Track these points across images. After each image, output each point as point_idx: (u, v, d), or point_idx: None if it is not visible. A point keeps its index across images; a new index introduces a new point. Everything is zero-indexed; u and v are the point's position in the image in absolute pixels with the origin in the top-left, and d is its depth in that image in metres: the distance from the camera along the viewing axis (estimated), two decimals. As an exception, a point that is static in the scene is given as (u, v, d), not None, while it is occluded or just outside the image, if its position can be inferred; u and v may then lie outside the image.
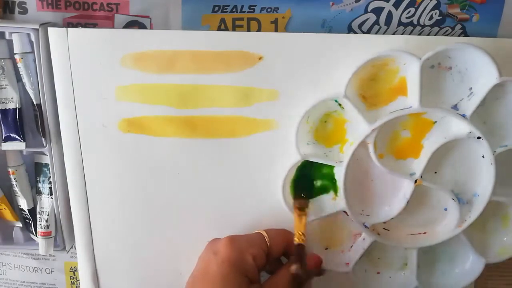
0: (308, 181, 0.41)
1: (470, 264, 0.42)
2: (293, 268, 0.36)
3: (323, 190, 0.41)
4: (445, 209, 0.41)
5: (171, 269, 0.45)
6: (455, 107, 0.38)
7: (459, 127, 0.38)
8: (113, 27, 0.41)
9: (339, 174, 0.39)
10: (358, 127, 0.38)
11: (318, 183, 0.41)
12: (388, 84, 0.38)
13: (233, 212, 0.43)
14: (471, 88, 0.38)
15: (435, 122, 0.39)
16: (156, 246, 0.44)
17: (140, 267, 0.45)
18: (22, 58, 0.40)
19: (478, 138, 0.37)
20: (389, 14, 0.39)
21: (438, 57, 0.37)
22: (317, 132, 0.40)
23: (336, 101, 0.38)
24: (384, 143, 0.39)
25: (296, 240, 0.38)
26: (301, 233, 0.38)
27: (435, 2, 0.39)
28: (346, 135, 0.40)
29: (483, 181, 0.40)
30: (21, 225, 0.46)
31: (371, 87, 0.38)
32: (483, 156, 0.39)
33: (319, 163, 0.40)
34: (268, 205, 0.42)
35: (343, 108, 0.39)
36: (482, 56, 0.36)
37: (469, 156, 0.39)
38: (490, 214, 0.41)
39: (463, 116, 0.37)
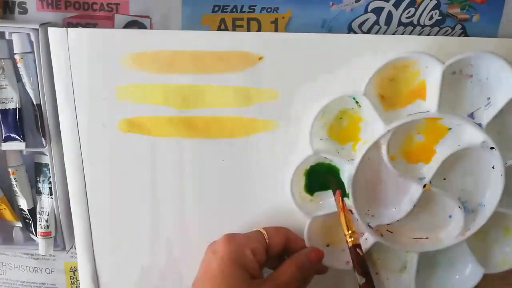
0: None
1: (469, 272, 0.42)
2: (358, 278, 0.35)
3: (328, 186, 0.41)
4: (450, 216, 0.41)
5: (171, 269, 0.45)
6: (471, 115, 0.38)
7: (473, 136, 0.38)
8: (113, 27, 0.41)
9: (349, 172, 0.39)
10: (373, 127, 0.38)
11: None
12: (408, 86, 0.38)
13: (233, 212, 0.43)
14: (489, 98, 0.38)
15: (450, 129, 0.39)
16: (156, 246, 0.44)
17: (140, 268, 0.45)
18: (22, 58, 0.40)
19: (491, 148, 0.37)
20: (389, 14, 0.39)
21: (460, 63, 0.37)
22: (331, 129, 0.40)
23: (354, 98, 0.38)
24: (397, 145, 0.39)
25: (350, 241, 0.37)
26: (353, 231, 0.37)
27: (435, 2, 0.39)
28: (360, 134, 0.40)
29: (490, 191, 0.40)
30: (21, 225, 0.46)
31: (390, 87, 0.38)
32: (493, 167, 0.39)
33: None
34: (269, 204, 0.42)
35: (360, 106, 0.38)
36: (504, 67, 0.36)
37: (479, 166, 0.39)
38: (493, 224, 0.41)
39: (479, 125, 0.37)
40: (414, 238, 0.42)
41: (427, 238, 0.42)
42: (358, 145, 0.40)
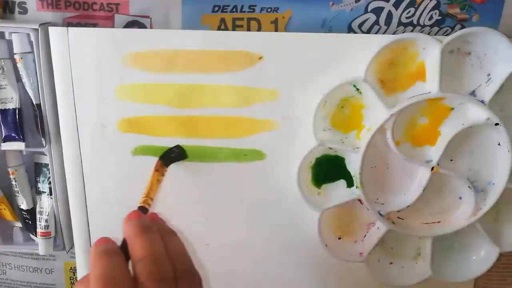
0: None
1: (485, 254, 0.42)
2: None
3: (335, 177, 0.41)
4: (460, 198, 0.41)
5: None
6: (472, 93, 0.38)
7: (477, 114, 0.38)
8: (113, 27, 0.41)
9: (355, 161, 0.39)
10: (376, 113, 0.38)
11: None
12: (407, 69, 0.38)
13: (232, 212, 0.43)
14: (489, 74, 0.38)
15: (452, 109, 0.38)
16: (156, 246, 0.44)
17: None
18: (22, 58, 0.40)
19: (496, 124, 0.37)
20: (389, 14, 0.39)
21: (458, 41, 0.37)
22: (334, 118, 0.40)
23: (354, 85, 0.38)
24: (401, 130, 0.39)
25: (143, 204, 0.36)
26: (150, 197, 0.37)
27: (435, 2, 0.39)
28: (363, 121, 0.40)
29: (498, 169, 0.39)
30: (21, 225, 0.46)
31: (389, 71, 0.38)
32: (499, 144, 0.39)
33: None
34: (268, 204, 0.42)
35: (360, 93, 0.38)
36: (502, 40, 0.36)
37: (485, 144, 0.39)
38: (504, 202, 0.41)
39: (482, 102, 0.37)
40: (426, 223, 0.41)
41: (439, 222, 0.41)
42: (362, 132, 0.40)
